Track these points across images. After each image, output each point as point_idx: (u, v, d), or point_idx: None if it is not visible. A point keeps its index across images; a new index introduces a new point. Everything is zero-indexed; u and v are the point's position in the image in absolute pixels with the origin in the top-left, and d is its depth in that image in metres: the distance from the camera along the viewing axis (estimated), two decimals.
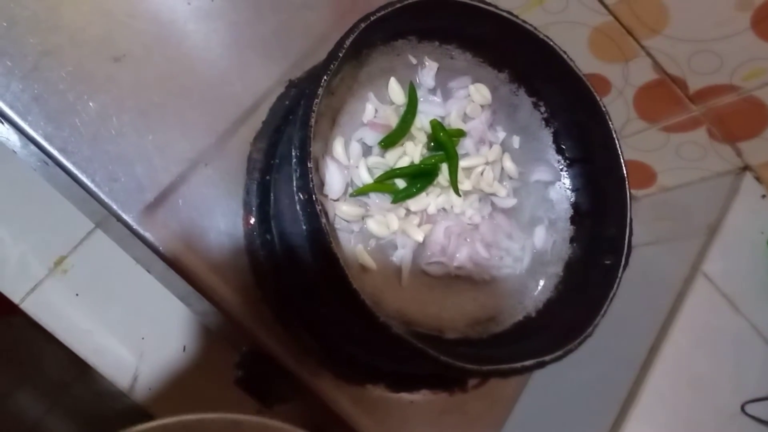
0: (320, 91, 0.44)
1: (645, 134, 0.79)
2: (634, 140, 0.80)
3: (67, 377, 1.05)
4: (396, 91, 0.55)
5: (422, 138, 0.55)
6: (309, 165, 0.42)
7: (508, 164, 0.59)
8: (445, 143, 0.54)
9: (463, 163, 0.55)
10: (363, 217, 0.51)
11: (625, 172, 0.54)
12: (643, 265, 0.69)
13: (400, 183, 0.54)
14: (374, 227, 0.51)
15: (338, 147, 0.51)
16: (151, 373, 0.80)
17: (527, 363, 0.46)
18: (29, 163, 0.51)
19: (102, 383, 0.83)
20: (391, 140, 0.53)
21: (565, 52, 0.54)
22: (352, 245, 0.51)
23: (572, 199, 0.60)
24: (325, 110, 0.52)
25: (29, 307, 0.64)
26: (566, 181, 0.60)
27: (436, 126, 0.54)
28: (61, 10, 0.49)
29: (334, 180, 0.50)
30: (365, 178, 0.52)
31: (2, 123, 0.48)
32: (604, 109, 0.55)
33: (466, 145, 0.57)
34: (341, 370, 0.54)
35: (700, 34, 0.66)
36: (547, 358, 0.47)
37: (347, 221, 0.51)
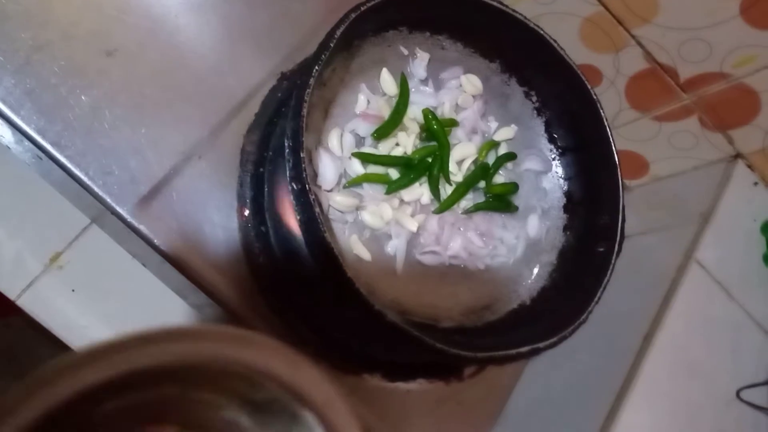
0: (312, 81, 0.44)
1: (637, 124, 0.79)
2: (626, 130, 0.81)
3: None
4: (388, 82, 0.55)
5: (414, 128, 0.55)
6: (302, 155, 0.42)
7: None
8: (436, 133, 0.54)
9: (455, 154, 0.56)
10: (357, 208, 0.52)
11: (617, 159, 0.54)
12: (636, 253, 0.70)
13: (394, 173, 0.54)
14: (368, 218, 0.51)
15: (332, 138, 0.51)
16: None
17: (522, 350, 0.47)
18: (23, 158, 0.51)
19: None
20: (383, 131, 0.53)
21: (555, 41, 0.55)
22: (346, 236, 0.51)
23: (565, 188, 0.60)
24: (317, 101, 0.52)
25: (25, 303, 0.64)
26: (559, 170, 0.61)
27: (428, 115, 0.54)
28: (53, 5, 0.49)
29: (327, 171, 0.50)
30: (358, 169, 0.52)
31: None
32: (595, 98, 0.55)
33: (458, 135, 0.58)
34: (338, 361, 0.54)
35: (689, 22, 0.66)
36: (541, 344, 0.47)
37: (341, 212, 0.51)
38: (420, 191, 0.54)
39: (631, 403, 0.64)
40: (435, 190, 0.54)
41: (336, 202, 0.50)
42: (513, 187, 0.58)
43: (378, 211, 0.52)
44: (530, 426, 0.71)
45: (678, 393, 0.66)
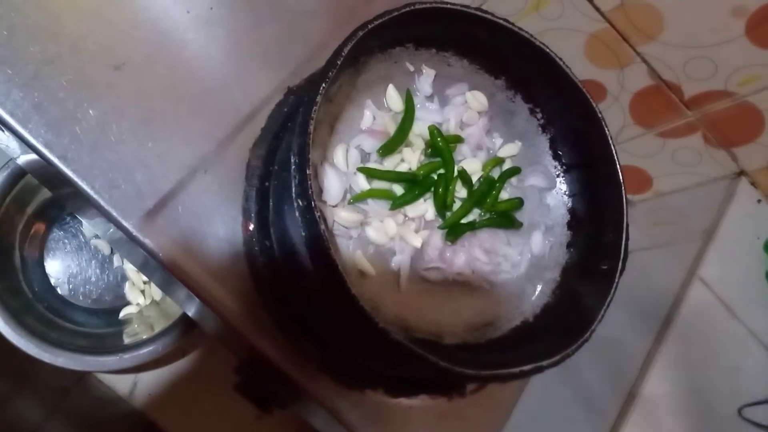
0: (319, 98, 0.44)
1: (641, 140, 0.80)
2: (630, 146, 0.81)
3: (66, 383, 1.05)
4: (394, 98, 0.55)
5: (420, 144, 0.56)
6: (308, 172, 0.42)
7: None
8: (441, 150, 0.54)
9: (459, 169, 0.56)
10: (361, 224, 0.52)
11: (621, 177, 0.54)
12: (639, 270, 0.70)
13: (398, 189, 0.54)
14: (372, 234, 0.51)
15: (337, 154, 0.52)
16: (151, 379, 0.80)
17: (525, 368, 0.46)
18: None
19: (102, 389, 0.83)
20: (389, 148, 0.53)
21: (561, 59, 0.55)
22: (350, 251, 0.51)
23: (569, 205, 0.60)
24: (323, 117, 0.52)
25: None
26: (563, 187, 0.61)
27: (434, 132, 0.55)
28: (62, 19, 0.50)
29: (332, 186, 0.50)
30: (363, 184, 0.52)
31: (2, 131, 0.48)
32: (600, 115, 0.55)
33: (463, 151, 0.58)
34: (340, 376, 0.54)
35: (695, 41, 0.66)
36: (544, 363, 0.47)
37: (346, 227, 0.51)
38: (424, 207, 0.54)
39: (634, 420, 0.64)
40: (440, 208, 0.54)
41: (341, 217, 0.50)
42: (518, 203, 0.58)
43: (382, 227, 0.52)
44: None
45: (680, 410, 0.66)
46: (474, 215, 0.57)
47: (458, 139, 0.57)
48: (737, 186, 0.76)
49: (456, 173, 0.56)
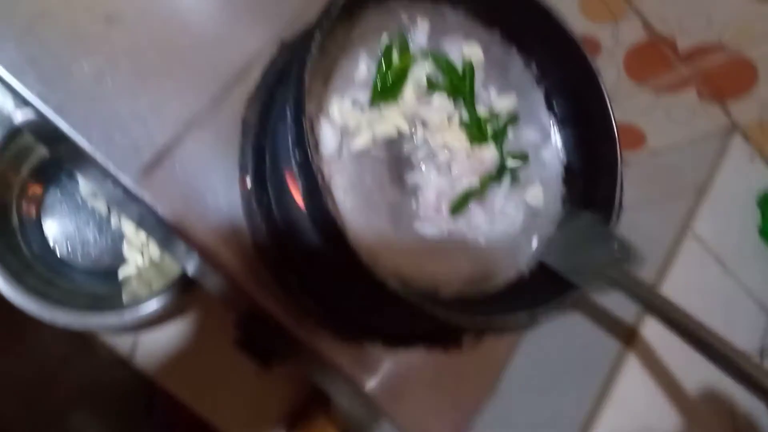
0: (314, 49, 0.44)
1: (634, 95, 0.80)
2: (624, 102, 0.81)
3: (67, 349, 1.06)
4: None
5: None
6: (304, 125, 0.42)
7: None
8: (462, 80, 0.56)
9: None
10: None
11: (615, 130, 0.55)
12: (632, 226, 0.70)
13: None
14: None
15: (332, 106, 0.52)
16: (151, 339, 0.81)
17: (520, 314, 0.47)
18: None
19: (102, 353, 0.84)
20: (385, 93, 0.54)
21: (556, 12, 0.54)
22: (348, 205, 0.51)
23: (564, 160, 0.61)
24: (317, 69, 0.52)
25: None
26: (558, 142, 0.61)
27: (445, 65, 0.55)
28: None
29: (328, 139, 0.50)
30: (359, 143, 0.52)
31: None
32: (596, 70, 0.55)
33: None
34: (339, 329, 0.55)
35: None
36: (538, 309, 0.48)
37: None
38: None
39: (626, 376, 0.65)
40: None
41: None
42: (525, 156, 0.58)
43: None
44: (528, 395, 0.72)
45: (672, 366, 0.67)
46: None
47: None
48: (730, 141, 0.76)
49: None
